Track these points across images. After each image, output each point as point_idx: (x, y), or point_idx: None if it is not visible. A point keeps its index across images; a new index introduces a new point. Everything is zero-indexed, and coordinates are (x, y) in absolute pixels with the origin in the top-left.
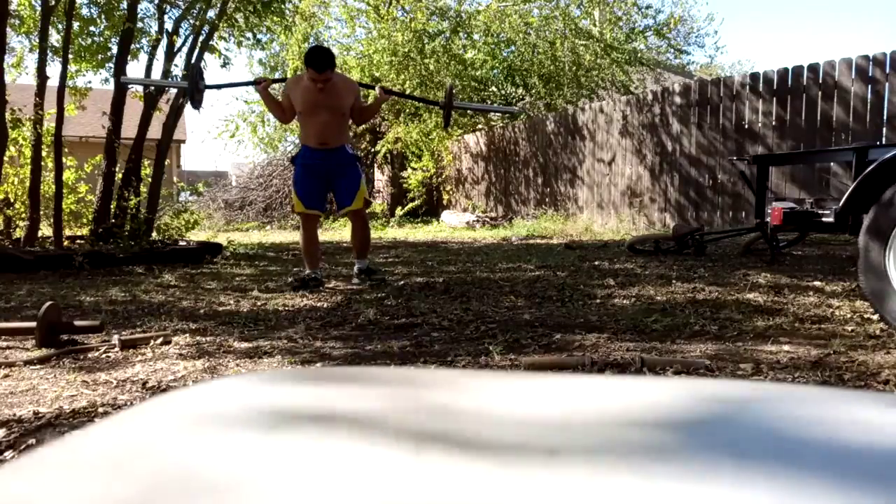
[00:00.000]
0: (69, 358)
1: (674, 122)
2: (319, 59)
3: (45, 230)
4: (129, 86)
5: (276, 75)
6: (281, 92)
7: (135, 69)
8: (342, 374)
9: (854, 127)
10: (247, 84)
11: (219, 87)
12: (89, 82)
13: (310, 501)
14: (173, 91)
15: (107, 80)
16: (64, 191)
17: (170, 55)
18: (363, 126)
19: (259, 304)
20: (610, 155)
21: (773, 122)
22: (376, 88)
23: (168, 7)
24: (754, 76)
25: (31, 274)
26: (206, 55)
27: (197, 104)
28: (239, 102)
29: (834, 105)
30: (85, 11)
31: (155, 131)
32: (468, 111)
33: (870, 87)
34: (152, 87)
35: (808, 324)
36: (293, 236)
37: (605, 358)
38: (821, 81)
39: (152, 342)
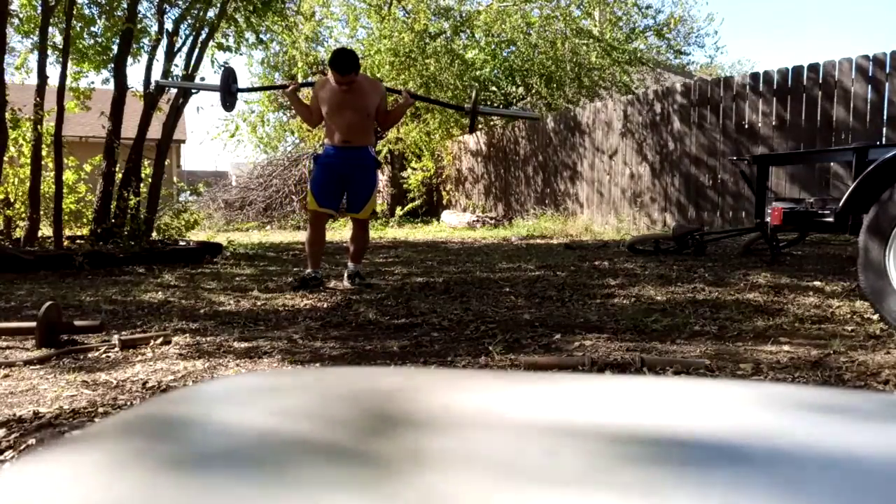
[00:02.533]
0: (69, 358)
1: (675, 121)
2: (343, 61)
3: (45, 230)
4: (166, 88)
5: (276, 75)
6: (310, 95)
7: (135, 69)
8: (342, 374)
9: (856, 127)
10: (277, 87)
11: (250, 90)
12: (92, 83)
13: (309, 502)
14: (173, 91)
15: (107, 80)
16: (64, 191)
17: (170, 55)
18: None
19: (259, 304)
20: (610, 154)
21: (775, 122)
22: (402, 92)
23: (168, 7)
24: (755, 76)
25: (31, 274)
26: (215, 52)
27: (229, 107)
28: (238, 102)
29: (834, 105)
30: (86, 12)
31: (155, 131)
32: (493, 116)
33: (870, 87)
34: (152, 87)
35: (808, 324)
36: (293, 236)
37: (605, 358)
38: (821, 81)
39: (152, 342)
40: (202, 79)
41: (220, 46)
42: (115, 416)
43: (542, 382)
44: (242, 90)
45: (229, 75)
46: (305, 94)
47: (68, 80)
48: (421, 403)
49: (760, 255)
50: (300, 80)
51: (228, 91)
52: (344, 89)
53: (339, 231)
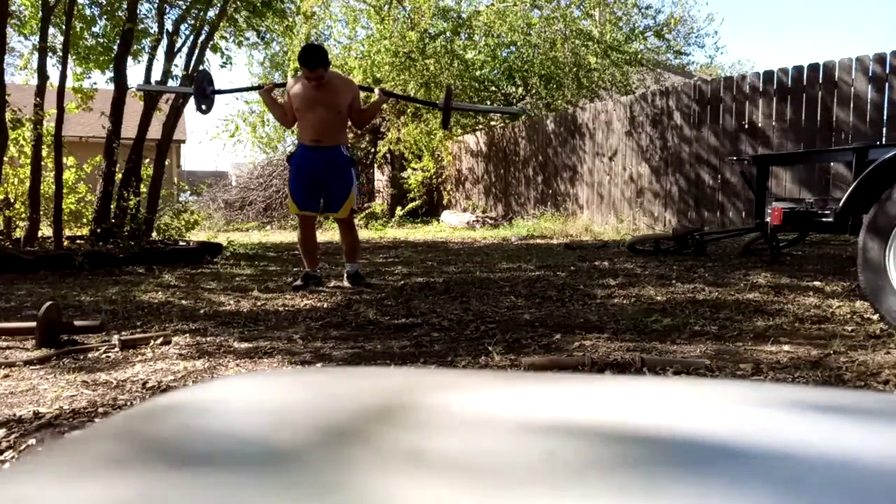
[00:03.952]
0: (69, 358)
1: (675, 121)
2: (310, 56)
3: (45, 230)
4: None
5: (276, 75)
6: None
7: (135, 69)
8: (342, 375)
9: (857, 126)
10: (252, 89)
11: (225, 92)
12: (94, 83)
13: (310, 502)
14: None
15: (110, 79)
16: (64, 191)
17: (170, 55)
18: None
19: (259, 304)
20: (610, 155)
21: (775, 122)
22: (375, 91)
23: (168, 7)
24: (756, 76)
25: (31, 274)
26: (209, 54)
27: (205, 110)
28: (239, 102)
29: (835, 104)
30: (87, 12)
31: (155, 131)
32: (469, 112)
33: (871, 86)
34: (134, 87)
35: (808, 324)
36: (293, 236)
37: (605, 358)
38: (823, 81)
39: (152, 342)
40: None
41: (214, 48)
42: (115, 416)
43: (542, 382)
44: (218, 92)
45: (204, 78)
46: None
47: (71, 81)
48: (421, 403)
49: (760, 255)
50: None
51: (203, 94)
52: (315, 86)
53: (338, 231)
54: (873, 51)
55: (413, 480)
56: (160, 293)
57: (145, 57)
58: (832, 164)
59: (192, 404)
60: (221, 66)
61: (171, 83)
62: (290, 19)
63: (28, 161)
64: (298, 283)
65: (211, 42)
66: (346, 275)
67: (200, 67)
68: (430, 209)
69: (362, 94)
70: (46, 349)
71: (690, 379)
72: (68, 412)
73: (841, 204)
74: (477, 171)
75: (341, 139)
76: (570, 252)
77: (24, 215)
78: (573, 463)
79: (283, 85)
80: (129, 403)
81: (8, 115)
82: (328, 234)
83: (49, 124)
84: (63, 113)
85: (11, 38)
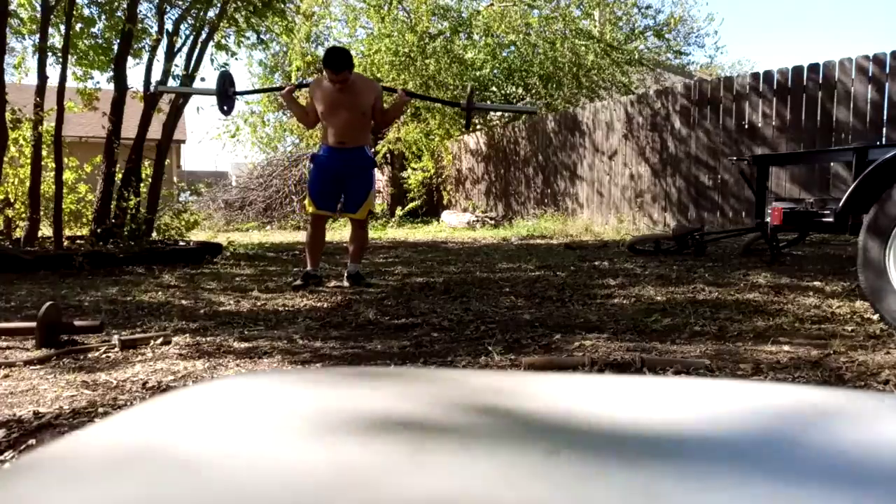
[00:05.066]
0: (69, 358)
1: (675, 121)
2: (336, 59)
3: (45, 230)
4: (161, 92)
5: (276, 76)
6: (306, 96)
7: (135, 70)
8: (342, 374)
9: (857, 127)
10: (274, 90)
11: (247, 93)
12: (97, 83)
13: (310, 502)
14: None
15: (110, 79)
16: (64, 191)
17: (170, 55)
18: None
19: (259, 304)
20: (610, 154)
21: (775, 122)
22: (398, 91)
23: (168, 7)
24: (755, 76)
25: (31, 274)
26: (212, 53)
27: (227, 111)
28: (239, 103)
29: (835, 105)
30: (86, 12)
31: (155, 131)
32: (488, 111)
33: (870, 86)
34: (153, 88)
35: (808, 324)
36: (293, 236)
37: (605, 358)
38: (822, 81)
39: (152, 342)
40: (202, 79)
41: (219, 46)
42: (115, 416)
43: (542, 382)
44: (239, 93)
45: (226, 79)
46: (303, 95)
47: (71, 81)
48: (421, 403)
49: (760, 255)
50: (293, 81)
51: (225, 94)
52: (339, 88)
53: (339, 231)
54: (872, 51)
55: (414, 481)
56: (160, 293)
57: (145, 57)
58: (832, 164)
59: (192, 404)
60: (221, 68)
61: (171, 83)
62: (290, 19)
63: (28, 161)
64: (298, 282)
65: (212, 41)
66: (346, 275)
67: (225, 66)
68: (430, 209)
69: (384, 95)
70: (46, 349)
71: (690, 379)
72: (68, 412)
73: (841, 204)
74: (477, 171)
75: (365, 140)
76: (570, 252)
77: (24, 215)
78: (574, 462)
79: (305, 86)
80: (129, 403)
81: (8, 115)
82: (328, 234)
83: (49, 124)
84: (63, 113)
85: (11, 39)
